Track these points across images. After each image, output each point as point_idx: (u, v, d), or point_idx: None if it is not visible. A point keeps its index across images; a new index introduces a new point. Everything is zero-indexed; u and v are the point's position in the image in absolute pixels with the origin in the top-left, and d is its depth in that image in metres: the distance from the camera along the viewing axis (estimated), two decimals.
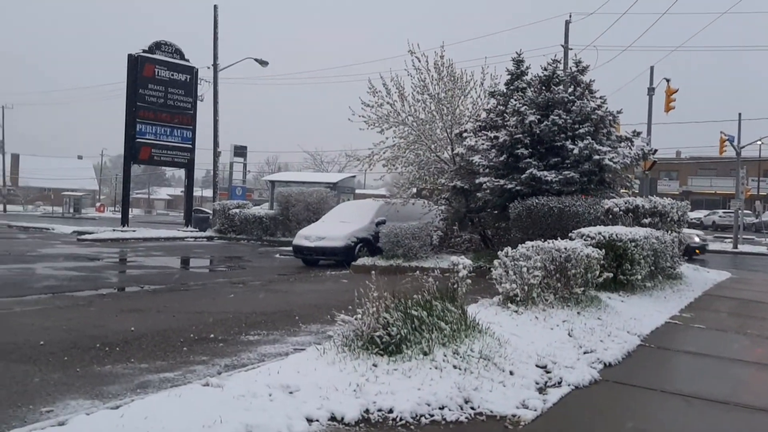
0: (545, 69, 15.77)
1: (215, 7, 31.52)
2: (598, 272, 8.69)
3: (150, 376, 5.56)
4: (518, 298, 7.62)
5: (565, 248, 8.29)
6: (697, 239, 22.68)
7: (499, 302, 7.76)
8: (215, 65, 31.95)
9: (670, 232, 12.47)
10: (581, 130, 14.34)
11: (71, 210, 52.95)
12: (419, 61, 16.50)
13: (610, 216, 12.57)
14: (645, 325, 7.87)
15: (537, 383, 5.22)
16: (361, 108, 16.44)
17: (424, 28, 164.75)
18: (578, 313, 7.69)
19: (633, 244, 9.94)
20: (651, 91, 27.97)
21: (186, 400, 4.23)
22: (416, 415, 4.40)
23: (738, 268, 19.59)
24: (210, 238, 26.29)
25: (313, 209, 23.55)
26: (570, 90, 14.98)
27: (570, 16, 29.08)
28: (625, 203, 12.70)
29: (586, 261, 8.42)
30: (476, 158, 15.20)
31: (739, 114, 34.52)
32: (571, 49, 27.41)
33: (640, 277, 10.07)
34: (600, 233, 10.13)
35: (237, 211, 26.65)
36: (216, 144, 31.85)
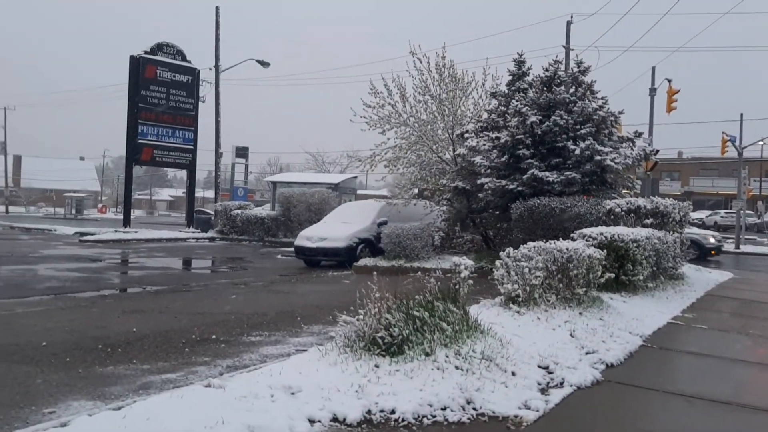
0: (547, 70, 15.76)
1: (217, 8, 31.58)
2: (600, 273, 8.69)
3: (152, 377, 5.57)
4: (520, 299, 7.62)
5: (567, 249, 8.28)
6: (712, 240, 21.68)
7: (501, 303, 7.76)
8: (217, 66, 32.00)
9: (672, 232, 12.46)
10: (583, 131, 14.32)
11: (73, 211, 53.12)
12: (421, 62, 16.50)
13: (612, 216, 12.55)
14: (647, 325, 7.87)
15: (539, 384, 5.22)
16: (363, 109, 16.46)
17: (425, 30, 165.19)
18: (580, 313, 7.69)
19: (635, 244, 9.93)
20: (653, 91, 27.98)
21: (188, 401, 4.24)
22: (418, 416, 4.40)
23: (740, 268, 19.56)
24: (212, 239, 26.29)
25: (315, 210, 23.52)
26: (571, 91, 14.96)
27: (571, 17, 29.12)
28: (627, 204, 12.68)
29: (588, 261, 8.42)
30: (478, 159, 15.19)
31: (741, 114, 34.64)
32: (573, 49, 27.45)
33: (642, 277, 10.06)
34: (602, 234, 10.12)
35: (239, 212, 26.65)
36: (218, 145, 31.89)
